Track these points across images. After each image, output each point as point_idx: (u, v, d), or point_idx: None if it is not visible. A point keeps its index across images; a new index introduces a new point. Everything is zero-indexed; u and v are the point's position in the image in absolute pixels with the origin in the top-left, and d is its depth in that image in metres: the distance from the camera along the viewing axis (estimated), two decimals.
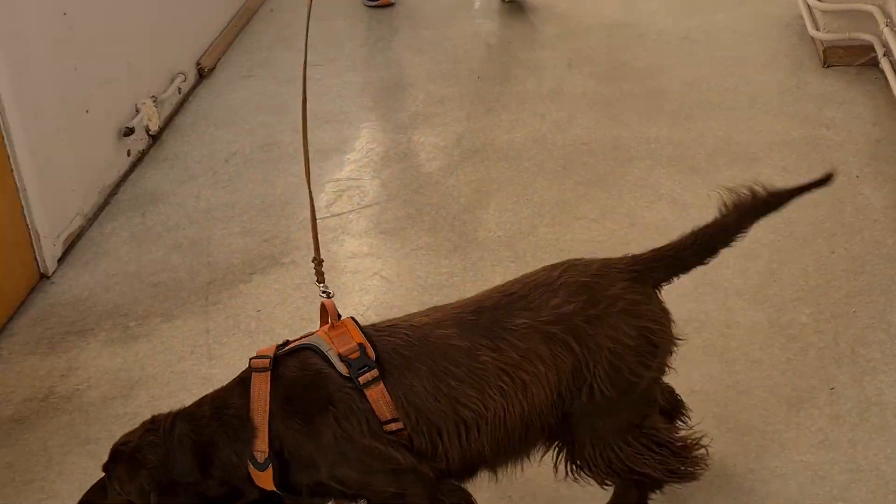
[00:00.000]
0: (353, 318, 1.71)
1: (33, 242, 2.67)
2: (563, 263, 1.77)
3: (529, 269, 2.53)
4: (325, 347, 1.66)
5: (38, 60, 2.67)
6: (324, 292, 1.80)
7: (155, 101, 3.29)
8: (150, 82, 3.30)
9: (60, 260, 2.77)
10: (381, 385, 1.61)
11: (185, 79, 3.52)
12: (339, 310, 1.74)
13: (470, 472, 1.72)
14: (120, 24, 3.10)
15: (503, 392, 1.64)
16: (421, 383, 1.62)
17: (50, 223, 2.72)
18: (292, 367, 1.67)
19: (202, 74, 3.68)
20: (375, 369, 1.62)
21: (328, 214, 2.89)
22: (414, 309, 2.43)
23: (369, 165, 3.12)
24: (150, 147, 3.28)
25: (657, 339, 1.72)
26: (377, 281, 2.61)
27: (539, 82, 3.53)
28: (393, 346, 1.65)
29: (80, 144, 2.88)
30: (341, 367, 1.63)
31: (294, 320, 2.49)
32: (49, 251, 2.71)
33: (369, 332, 1.68)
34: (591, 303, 1.68)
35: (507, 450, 1.69)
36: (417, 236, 2.77)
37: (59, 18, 2.77)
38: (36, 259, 2.69)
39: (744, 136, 3.12)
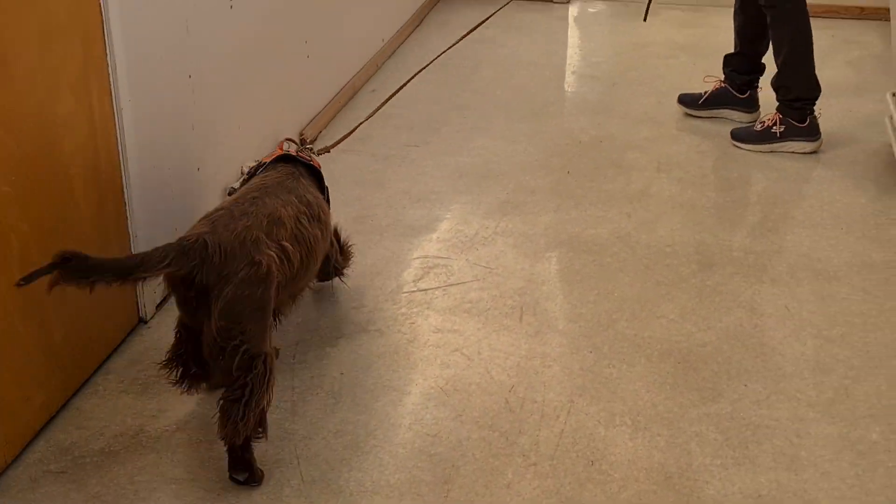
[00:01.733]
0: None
1: (136, 288, 2.82)
2: None
3: (607, 362, 2.63)
4: None
5: (162, 116, 2.84)
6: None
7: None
8: (256, 147, 3.47)
9: (158, 306, 2.91)
10: None
11: (289, 146, 3.67)
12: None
13: None
14: (237, 89, 3.28)
15: None
16: None
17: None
18: None
19: (304, 144, 3.84)
20: None
21: (415, 289, 3.00)
22: (494, 390, 2.55)
23: (458, 246, 3.23)
24: None
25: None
26: (458, 357, 2.70)
27: (627, 182, 3.63)
28: None
29: (188, 199, 3.04)
30: None
31: (376, 387, 2.59)
32: (150, 297, 2.86)
33: None
34: None
35: None
36: (499, 318, 2.86)
37: (184, 80, 2.95)
38: (137, 304, 2.83)
39: (825, 253, 3.18)
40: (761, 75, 4.04)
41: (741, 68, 4.01)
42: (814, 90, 3.81)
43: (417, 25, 5.12)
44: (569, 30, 5.18)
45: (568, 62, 4.75)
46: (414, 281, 3.05)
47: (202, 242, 2.20)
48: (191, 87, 2.99)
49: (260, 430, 2.25)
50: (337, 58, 4.16)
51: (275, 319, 2.40)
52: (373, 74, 4.54)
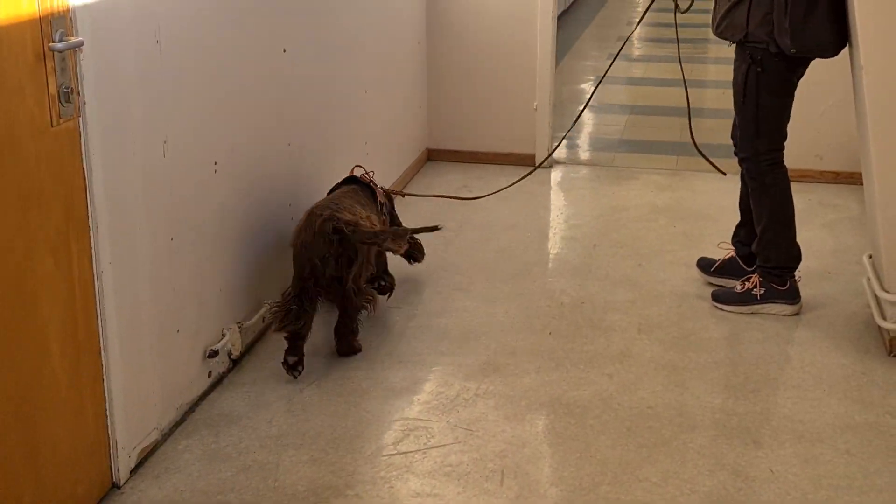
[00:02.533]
0: None
1: (110, 451, 2.78)
2: None
3: None
4: None
5: (143, 279, 2.86)
6: None
7: (240, 328, 3.46)
8: (237, 309, 3.48)
9: (133, 471, 2.86)
10: None
11: (270, 308, 3.69)
12: None
13: None
14: (218, 251, 3.31)
15: None
16: None
17: (129, 434, 2.83)
18: None
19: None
20: None
21: (395, 452, 2.96)
22: None
23: (438, 408, 3.21)
24: (229, 370, 3.42)
25: None
26: None
27: (608, 343, 3.64)
28: None
29: (167, 361, 3.03)
30: None
31: None
32: (124, 461, 2.81)
33: None
34: None
35: None
36: (480, 482, 2.82)
37: (166, 243, 2.98)
38: (111, 468, 2.78)
39: (808, 415, 3.16)
40: None
41: (746, 239, 4.02)
42: (793, 260, 3.85)
43: (403, 188, 5.21)
44: (551, 193, 5.28)
45: (550, 225, 4.82)
46: (394, 444, 3.02)
47: (352, 222, 3.46)
48: (173, 250, 3.01)
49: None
50: None
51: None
52: None
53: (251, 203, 3.53)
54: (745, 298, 3.86)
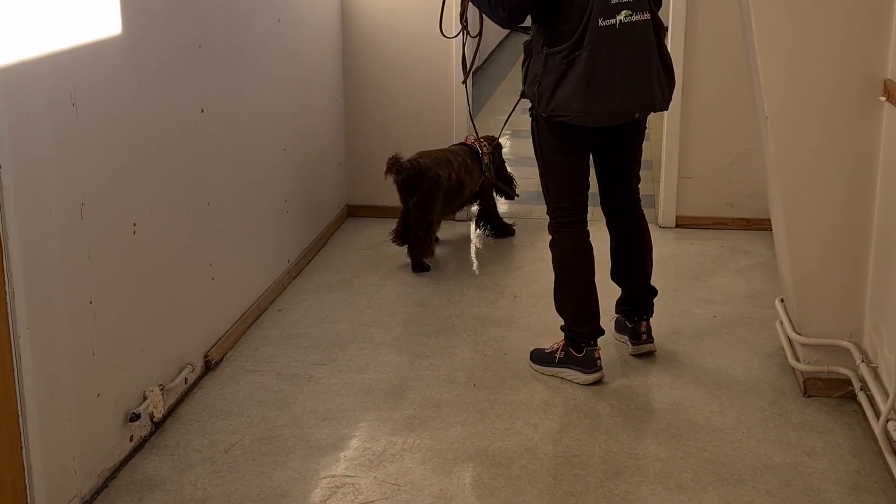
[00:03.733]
0: None
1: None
2: None
3: None
4: None
5: (61, 344, 2.82)
6: None
7: (162, 389, 3.42)
8: (159, 370, 3.44)
9: None
10: None
11: (193, 369, 3.66)
12: None
13: None
14: (139, 313, 3.28)
15: None
16: None
17: (49, 503, 2.77)
18: None
19: (209, 366, 3.83)
20: None
21: None
22: None
23: (365, 464, 3.20)
24: (152, 433, 3.37)
25: None
26: None
27: (532, 393, 3.67)
28: None
29: (87, 427, 2.98)
30: None
31: None
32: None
33: None
34: None
35: None
36: None
37: (85, 306, 2.95)
38: None
39: (728, 457, 3.22)
40: (639, 307, 3.93)
41: (623, 294, 3.99)
42: (582, 325, 3.71)
43: (323, 246, 5.22)
44: (471, 246, 5.33)
45: (471, 277, 4.86)
46: (321, 501, 3.00)
47: (416, 163, 4.82)
48: (92, 313, 2.98)
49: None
50: (242, 279, 4.20)
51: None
52: (279, 294, 4.58)
53: (171, 263, 3.50)
54: (548, 359, 3.79)
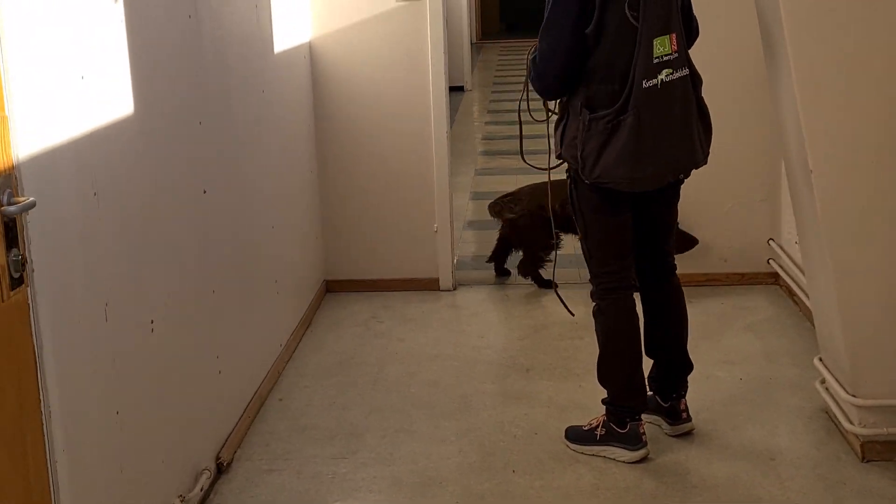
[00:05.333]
0: None
1: None
2: None
3: None
4: None
5: (94, 463, 2.50)
6: None
7: (182, 501, 3.09)
8: (178, 480, 3.12)
9: None
10: None
11: (210, 475, 3.34)
12: None
13: None
14: (160, 419, 2.97)
15: None
16: None
17: None
18: None
19: (221, 469, 3.51)
20: None
21: None
22: None
23: None
24: None
25: None
26: None
27: (577, 476, 3.43)
28: None
29: None
30: None
31: None
32: None
33: None
34: None
35: None
36: None
37: (113, 417, 2.63)
38: None
39: None
40: (675, 383, 3.67)
41: (651, 372, 3.72)
42: (629, 399, 3.51)
43: (308, 326, 4.92)
44: (463, 317, 5.07)
45: (474, 351, 4.60)
46: None
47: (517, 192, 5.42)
48: (119, 425, 2.67)
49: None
50: (244, 369, 3.89)
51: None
52: (276, 381, 4.27)
53: (184, 360, 3.20)
54: (587, 437, 3.56)
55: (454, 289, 5.40)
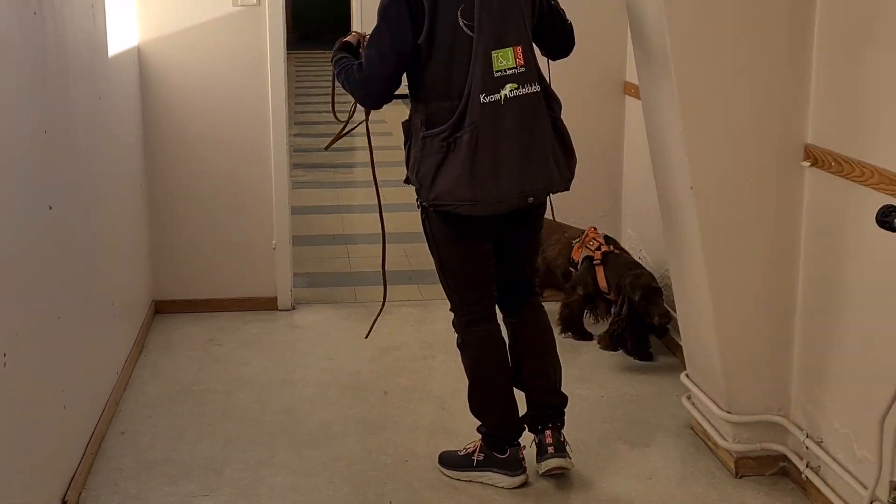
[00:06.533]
0: None
1: None
2: None
3: None
4: None
5: None
6: None
7: None
8: None
9: None
10: None
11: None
12: None
13: None
14: (8, 464, 2.62)
15: None
16: None
17: None
18: None
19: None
20: None
21: None
22: None
23: None
24: None
25: None
26: None
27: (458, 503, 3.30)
28: None
29: None
30: None
31: None
32: None
33: None
34: None
35: None
36: None
37: None
38: None
39: None
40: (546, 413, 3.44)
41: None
42: (504, 427, 3.38)
43: (141, 351, 4.58)
44: (308, 339, 4.83)
45: (325, 374, 4.38)
46: None
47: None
48: None
49: None
50: (85, 401, 3.55)
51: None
52: (114, 413, 3.92)
53: (32, 394, 2.86)
54: (464, 463, 3.42)
55: (293, 308, 5.16)
